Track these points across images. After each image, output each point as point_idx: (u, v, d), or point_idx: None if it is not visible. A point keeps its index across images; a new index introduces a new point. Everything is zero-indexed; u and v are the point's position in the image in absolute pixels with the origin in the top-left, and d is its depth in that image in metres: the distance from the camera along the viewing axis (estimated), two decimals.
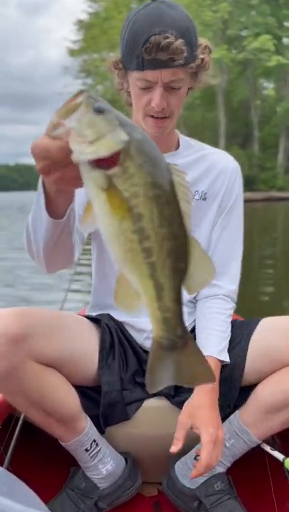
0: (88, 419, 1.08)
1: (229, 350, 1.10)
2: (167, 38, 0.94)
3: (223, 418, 1.09)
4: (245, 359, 1.08)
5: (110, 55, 1.09)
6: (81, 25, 48.97)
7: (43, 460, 1.06)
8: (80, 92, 0.54)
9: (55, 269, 0.93)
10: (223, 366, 1.09)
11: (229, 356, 1.09)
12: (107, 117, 0.53)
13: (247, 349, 1.09)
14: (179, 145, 1.21)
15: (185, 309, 1.20)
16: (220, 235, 1.19)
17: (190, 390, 1.09)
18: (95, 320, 1.18)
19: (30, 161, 0.62)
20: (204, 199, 1.18)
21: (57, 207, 0.76)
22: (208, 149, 1.24)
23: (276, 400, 1.02)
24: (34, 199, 0.79)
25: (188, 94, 1.13)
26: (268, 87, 45.09)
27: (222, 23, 39.46)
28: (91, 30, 46.45)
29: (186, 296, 1.16)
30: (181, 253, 0.52)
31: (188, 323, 1.20)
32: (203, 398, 1.01)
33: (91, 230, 0.52)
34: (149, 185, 0.51)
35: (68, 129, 0.53)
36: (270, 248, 8.64)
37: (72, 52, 50.90)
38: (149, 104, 1.03)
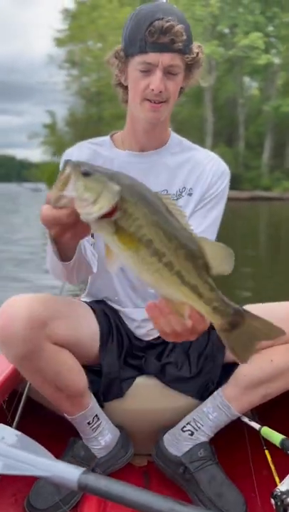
0: (92, 395, 1.19)
1: (212, 333, 1.21)
2: (169, 21, 1.06)
3: (208, 394, 1.22)
4: None
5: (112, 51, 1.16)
6: (67, 14, 48.46)
7: (42, 433, 1.16)
8: (66, 163, 0.66)
9: (79, 282, 1.14)
10: (207, 345, 1.22)
11: (212, 337, 1.21)
12: (96, 177, 0.64)
13: None
14: (168, 141, 1.27)
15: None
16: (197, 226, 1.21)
17: (176, 369, 1.22)
18: (93, 305, 1.28)
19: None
20: (190, 194, 1.25)
21: (67, 253, 0.94)
22: (197, 149, 1.30)
23: (254, 378, 1.15)
24: (47, 251, 0.97)
25: (181, 95, 1.21)
26: (252, 86, 45.42)
27: (212, 18, 39.46)
28: (78, 19, 45.95)
29: None
30: (196, 252, 0.62)
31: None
32: None
33: (119, 266, 0.63)
34: (148, 215, 0.62)
35: (70, 198, 0.65)
36: (251, 252, 8.49)
37: (58, 42, 50.24)
38: (147, 87, 1.10)
